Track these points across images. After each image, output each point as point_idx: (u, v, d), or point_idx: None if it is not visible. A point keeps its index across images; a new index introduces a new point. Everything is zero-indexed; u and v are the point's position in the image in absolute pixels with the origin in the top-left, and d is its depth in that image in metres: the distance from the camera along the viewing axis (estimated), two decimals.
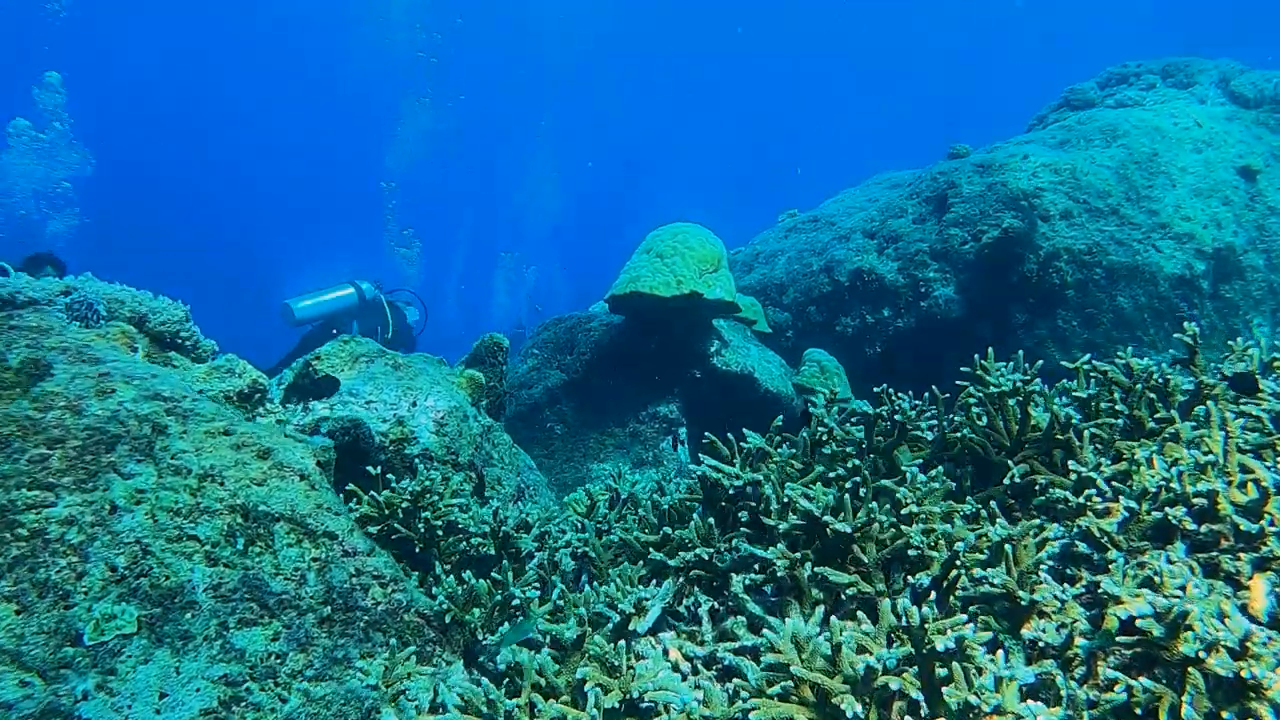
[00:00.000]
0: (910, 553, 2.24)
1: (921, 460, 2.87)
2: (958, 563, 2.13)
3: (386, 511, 3.16)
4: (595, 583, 2.82)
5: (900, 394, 3.12)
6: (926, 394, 3.19)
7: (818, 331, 7.67)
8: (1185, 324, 2.94)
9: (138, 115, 44.14)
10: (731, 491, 2.71)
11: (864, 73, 58.22)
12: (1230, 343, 2.96)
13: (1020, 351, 3.14)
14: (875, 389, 3.11)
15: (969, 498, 2.68)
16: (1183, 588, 1.99)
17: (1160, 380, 2.78)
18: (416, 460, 3.46)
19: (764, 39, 56.56)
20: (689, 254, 5.94)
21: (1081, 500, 2.35)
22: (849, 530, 2.28)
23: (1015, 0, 49.51)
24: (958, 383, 3.10)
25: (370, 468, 3.23)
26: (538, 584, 2.89)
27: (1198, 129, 7.77)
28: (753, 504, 2.70)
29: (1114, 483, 2.45)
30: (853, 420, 3.05)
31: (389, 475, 3.33)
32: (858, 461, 2.66)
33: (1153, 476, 2.38)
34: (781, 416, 3.13)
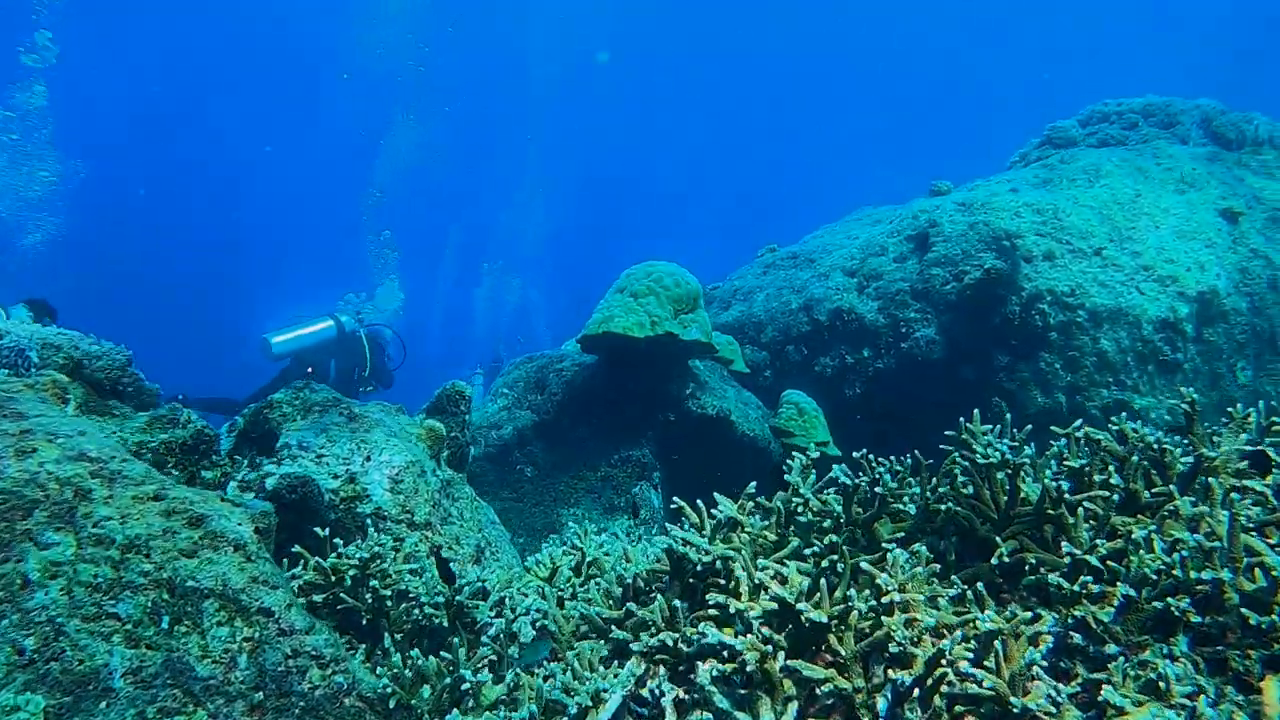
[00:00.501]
0: (892, 647, 2.05)
1: (903, 534, 2.69)
2: (943, 660, 1.95)
3: (333, 578, 2.95)
4: (555, 660, 2.62)
5: (880, 460, 2.94)
6: (909, 459, 3.00)
7: (796, 371, 7.51)
8: (1182, 389, 2.78)
9: (120, 124, 43.90)
10: (700, 568, 2.52)
11: (848, 106, 58.65)
12: (1230, 410, 2.80)
13: (1008, 413, 2.98)
14: (855, 454, 2.92)
15: (954, 575, 2.50)
16: (1191, 696, 1.81)
17: (1156, 449, 2.62)
18: (368, 520, 3.24)
19: (749, 70, 56.84)
20: (664, 293, 5.76)
21: (1076, 588, 2.17)
22: (825, 620, 2.09)
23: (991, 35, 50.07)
24: (942, 446, 2.92)
25: (319, 528, 3.03)
26: (493, 658, 2.69)
27: (1180, 170, 7.70)
28: (722, 581, 2.51)
29: (1109, 562, 2.28)
30: (832, 489, 2.86)
31: (340, 536, 3.13)
32: (835, 538, 2.48)
33: (1152, 561, 2.20)
34: (754, 484, 2.93)
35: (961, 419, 3.03)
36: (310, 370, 8.63)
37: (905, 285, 7.16)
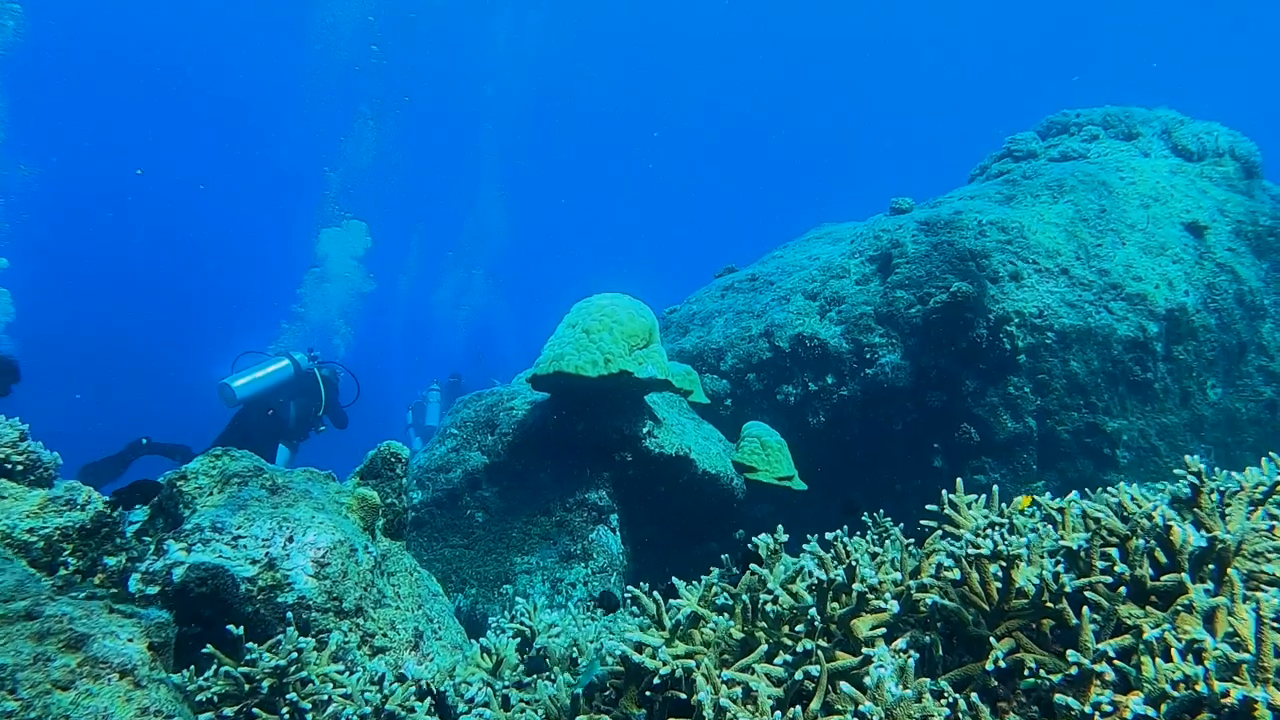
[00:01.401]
0: None
1: (884, 629, 2.40)
2: None
3: (247, 687, 2.61)
4: None
5: (853, 545, 2.65)
6: (887, 536, 2.72)
7: (758, 399, 7.23)
8: (1187, 458, 2.51)
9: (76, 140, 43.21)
10: (657, 681, 2.21)
11: (809, 116, 58.81)
12: (1238, 476, 2.54)
13: (993, 490, 2.70)
14: (828, 535, 2.62)
15: (942, 679, 2.21)
16: None
17: (1163, 528, 2.35)
18: (290, 613, 2.89)
19: (711, 82, 56.89)
20: (617, 329, 5.45)
21: (1087, 710, 1.89)
22: None
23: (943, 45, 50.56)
24: (924, 523, 2.64)
25: (234, 625, 2.69)
26: None
27: (1144, 184, 7.53)
28: (683, 695, 2.20)
29: (1118, 662, 2.00)
30: (803, 581, 2.56)
31: (260, 630, 2.79)
32: (809, 644, 2.18)
33: (1171, 672, 1.92)
34: (716, 573, 2.63)
35: (945, 492, 2.75)
36: (270, 412, 8.59)
37: (869, 309, 6.91)
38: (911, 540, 2.91)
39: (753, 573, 2.52)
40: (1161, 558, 2.33)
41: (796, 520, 7.00)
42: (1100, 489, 6.40)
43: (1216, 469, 6.62)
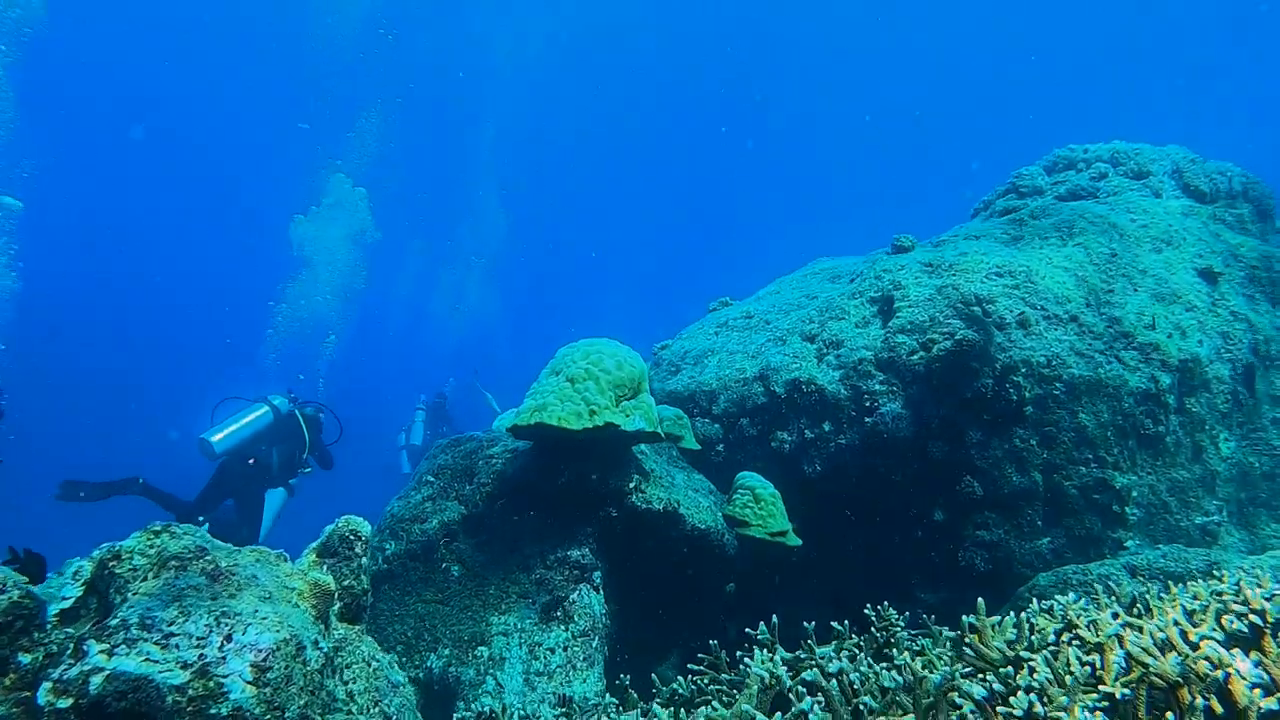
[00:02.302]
0: None
1: None
2: None
3: None
4: None
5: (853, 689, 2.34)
6: (892, 641, 2.42)
7: (751, 445, 6.91)
8: (1248, 593, 2.20)
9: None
10: None
11: (811, 142, 58.79)
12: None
13: (1021, 613, 2.39)
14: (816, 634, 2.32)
15: None
16: None
17: (1221, 677, 2.04)
18: None
19: (708, 105, 56.88)
20: (603, 378, 5.14)
21: None
22: None
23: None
24: (938, 654, 2.33)
25: None
26: None
27: (1156, 226, 7.25)
28: None
29: None
30: None
31: None
32: None
33: None
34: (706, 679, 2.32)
35: (965, 618, 2.44)
36: (253, 461, 8.49)
37: (869, 354, 6.61)
38: (918, 632, 2.60)
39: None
40: (1218, 708, 2.02)
41: (790, 575, 6.69)
42: (1109, 547, 6.07)
43: (1232, 529, 6.25)
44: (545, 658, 5.00)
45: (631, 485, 5.45)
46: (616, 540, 5.55)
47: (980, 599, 2.62)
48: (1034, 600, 5.48)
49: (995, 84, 52.68)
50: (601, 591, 5.42)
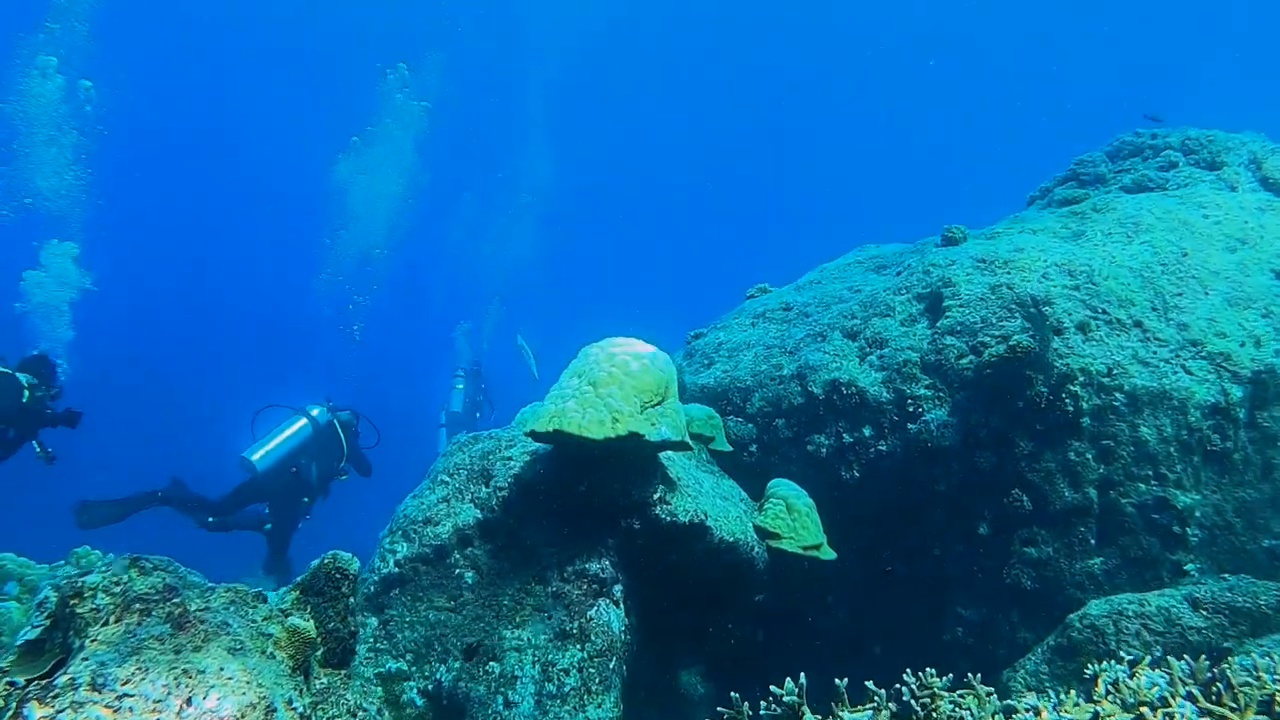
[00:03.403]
0: None
1: None
2: None
3: None
4: None
5: None
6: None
7: (785, 448, 6.55)
8: None
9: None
10: None
11: (853, 124, 57.66)
12: None
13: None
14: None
15: None
16: None
17: None
18: None
19: (749, 84, 55.93)
20: (628, 382, 4.78)
21: None
22: None
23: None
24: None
25: None
26: None
27: (1231, 223, 6.72)
28: None
29: None
30: None
31: None
32: None
33: None
34: None
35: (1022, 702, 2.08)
36: (295, 471, 8.63)
37: (914, 355, 6.19)
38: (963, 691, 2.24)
39: None
40: None
41: (824, 584, 6.35)
42: (1167, 570, 5.65)
43: None
44: (559, 679, 4.71)
45: (656, 496, 5.12)
46: (638, 552, 5.23)
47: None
48: (1087, 631, 5.12)
49: (1054, 65, 51.18)
50: (622, 605, 5.11)
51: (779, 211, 61.00)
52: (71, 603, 2.76)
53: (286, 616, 2.90)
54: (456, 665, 4.98)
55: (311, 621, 2.92)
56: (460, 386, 17.97)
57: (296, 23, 46.11)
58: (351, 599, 3.16)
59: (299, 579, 3.18)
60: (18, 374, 7.61)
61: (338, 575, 3.12)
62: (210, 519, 8.38)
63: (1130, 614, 4.99)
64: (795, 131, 57.84)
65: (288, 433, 8.80)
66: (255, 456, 8.51)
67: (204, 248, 49.35)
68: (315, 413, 9.09)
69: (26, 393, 7.57)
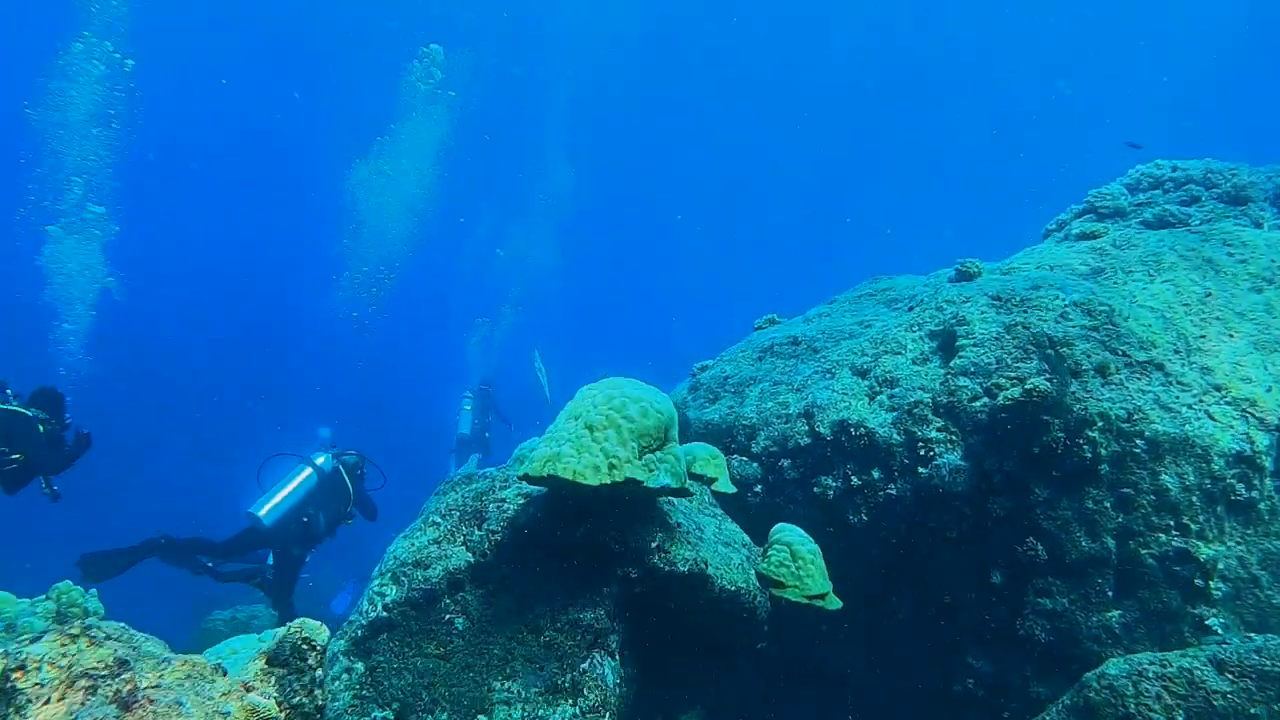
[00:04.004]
0: None
1: None
2: None
3: None
4: None
5: None
6: None
7: (791, 489, 6.33)
8: None
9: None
10: None
11: (871, 146, 57.63)
12: None
13: None
14: None
15: None
16: None
17: None
18: None
19: (769, 104, 56.01)
20: (626, 426, 4.58)
21: None
22: None
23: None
24: None
25: None
26: None
27: (1257, 262, 6.49)
28: None
29: None
30: None
31: None
32: None
33: None
34: None
35: None
36: (306, 520, 8.60)
37: (926, 396, 5.97)
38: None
39: None
40: None
41: (826, 639, 6.13)
42: (1188, 625, 5.39)
43: None
44: None
45: (654, 544, 4.90)
46: (636, 601, 5.02)
47: None
48: (1105, 692, 4.87)
49: (1070, 99, 51.01)
50: (617, 656, 4.90)
51: (793, 232, 60.91)
52: (14, 676, 2.57)
53: (247, 692, 2.70)
54: (444, 717, 4.77)
55: (274, 698, 2.72)
56: (468, 408, 17.86)
57: (316, 20, 46.36)
58: (319, 671, 2.95)
59: (264, 647, 2.99)
60: (28, 409, 7.72)
61: (304, 646, 2.92)
62: (209, 563, 8.37)
63: (1151, 675, 4.73)
64: (811, 155, 57.83)
65: (294, 484, 8.74)
66: (263, 511, 8.44)
67: (218, 251, 49.55)
68: (320, 460, 9.04)
69: (42, 428, 7.70)
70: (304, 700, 2.87)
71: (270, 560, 8.80)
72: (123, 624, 2.77)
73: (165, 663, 2.67)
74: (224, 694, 2.69)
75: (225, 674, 2.74)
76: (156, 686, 2.56)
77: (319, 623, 3.00)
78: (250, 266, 49.47)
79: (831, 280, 9.27)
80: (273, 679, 2.85)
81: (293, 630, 2.95)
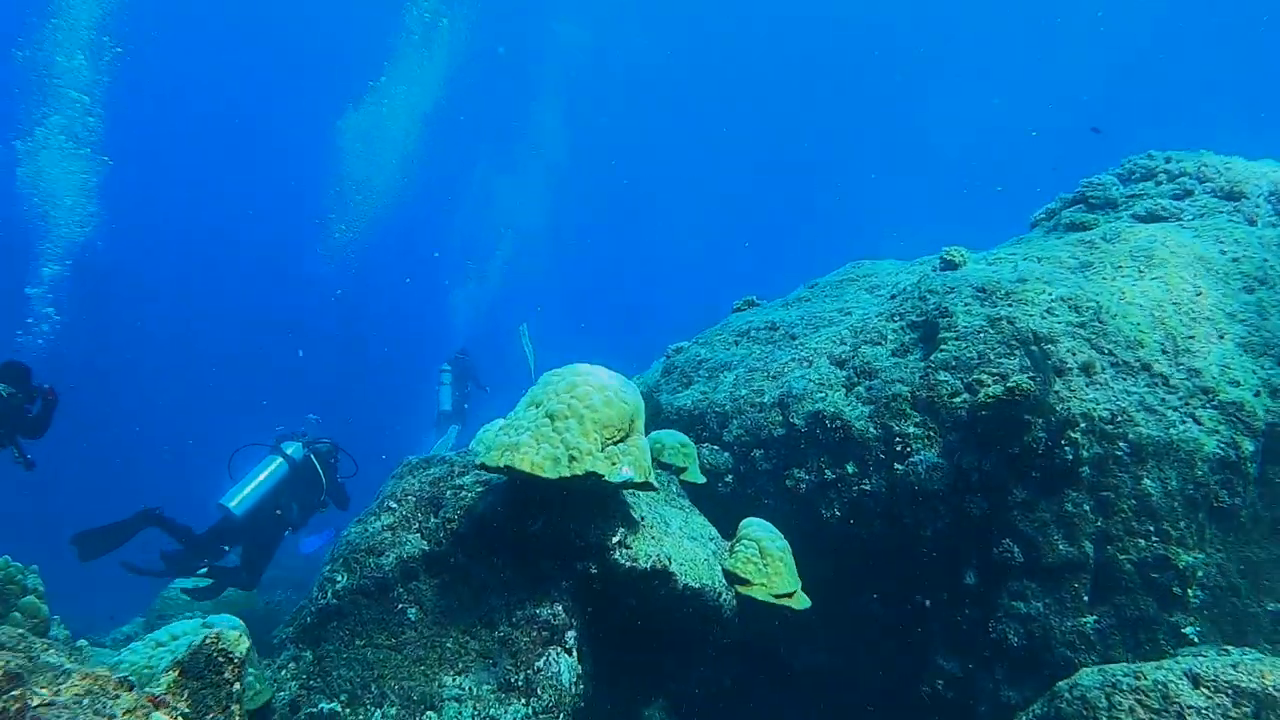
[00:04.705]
0: None
1: None
2: None
3: None
4: None
5: None
6: None
7: (763, 480, 6.13)
8: None
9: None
10: None
11: (855, 132, 57.33)
12: None
13: None
14: None
15: None
16: None
17: None
18: None
19: (757, 86, 55.62)
20: (589, 416, 4.36)
21: None
22: None
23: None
24: None
25: None
26: None
27: (1250, 261, 6.30)
28: None
29: None
30: None
31: None
32: None
33: None
34: None
35: None
36: (279, 512, 8.62)
37: (905, 390, 5.77)
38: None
39: None
40: None
41: (795, 633, 5.95)
42: (1164, 633, 5.23)
43: None
44: None
45: (615, 539, 4.70)
46: (596, 596, 4.82)
47: None
48: (1076, 703, 4.72)
49: (1060, 79, 50.78)
50: (575, 653, 4.70)
51: (777, 213, 60.66)
52: None
53: (155, 709, 2.48)
54: (393, 712, 4.57)
55: (183, 715, 2.50)
56: (446, 382, 17.65)
57: None
58: (237, 685, 2.73)
59: (178, 657, 2.76)
60: None
61: (220, 659, 2.69)
62: (202, 565, 8.32)
63: (1125, 688, 4.58)
64: (799, 135, 57.54)
65: (264, 474, 8.68)
66: (234, 503, 8.39)
67: (206, 207, 49.03)
68: (291, 450, 8.97)
69: (4, 393, 7.60)
70: (218, 718, 2.65)
71: (237, 558, 8.65)
72: (21, 631, 2.54)
73: (63, 676, 2.44)
74: (127, 711, 2.47)
75: (132, 688, 2.51)
76: (50, 705, 2.33)
77: (238, 633, 2.78)
78: (234, 225, 48.95)
79: (817, 258, 9.06)
80: (185, 693, 2.63)
81: (209, 641, 2.72)
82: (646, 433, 6.11)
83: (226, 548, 8.48)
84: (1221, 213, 6.95)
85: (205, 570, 8.36)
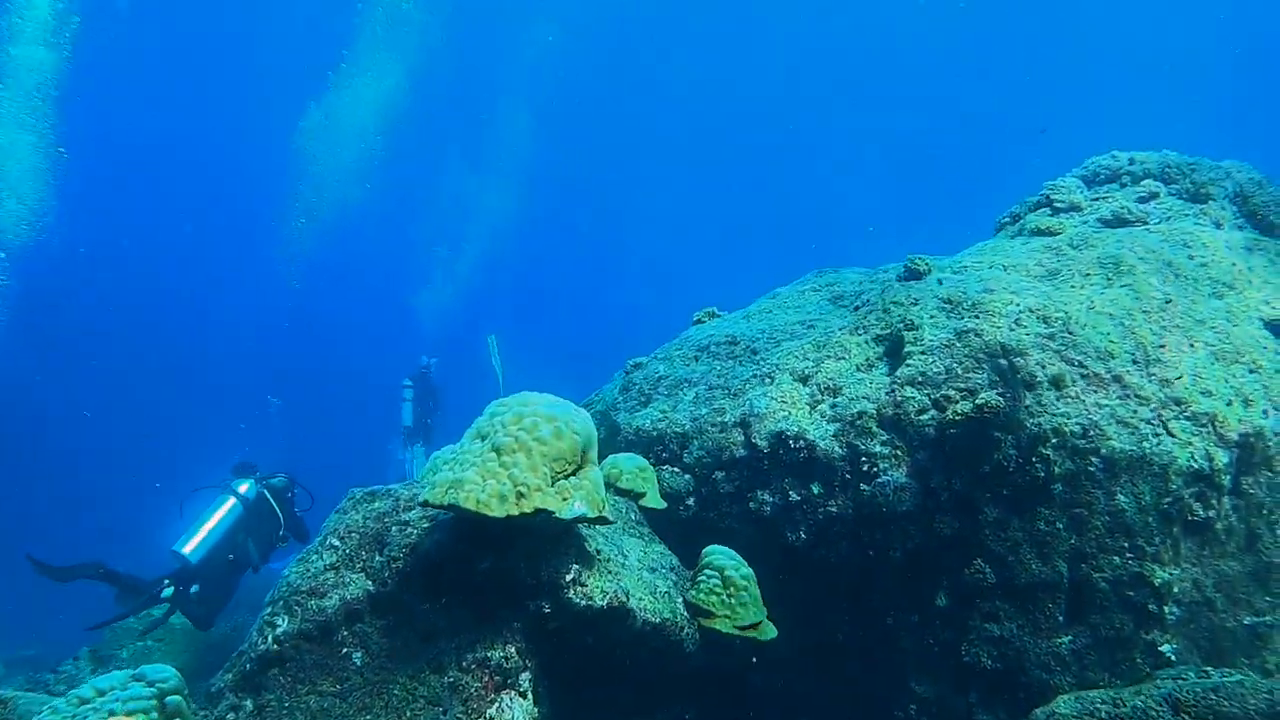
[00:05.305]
0: None
1: None
2: None
3: None
4: None
5: None
6: None
7: (726, 503, 5.91)
8: None
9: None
10: None
11: (819, 134, 57.36)
12: None
13: None
14: None
15: None
16: None
17: None
18: None
19: (726, 88, 55.56)
20: (537, 450, 4.11)
21: None
22: None
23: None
24: None
25: None
26: None
27: (1218, 266, 6.16)
28: None
29: None
30: None
31: None
32: None
33: None
34: None
35: None
36: (232, 558, 8.30)
37: (871, 407, 5.57)
38: None
39: None
40: None
41: (762, 661, 5.74)
42: (1140, 651, 5.05)
43: None
44: None
45: (569, 577, 4.45)
46: (550, 636, 4.57)
47: None
48: None
49: (1020, 87, 51.17)
50: (530, 696, 4.44)
51: (744, 214, 60.60)
52: None
53: None
54: None
55: None
56: (409, 397, 17.36)
57: None
58: None
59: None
60: None
61: None
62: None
63: (1103, 716, 4.41)
64: (767, 137, 57.55)
65: (217, 516, 8.34)
66: (187, 549, 8.06)
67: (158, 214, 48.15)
68: (244, 489, 8.65)
69: None
70: None
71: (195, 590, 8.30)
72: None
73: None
74: None
75: None
76: None
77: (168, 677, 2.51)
78: (187, 221, 48.19)
79: (784, 260, 8.89)
80: None
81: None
82: (604, 454, 5.88)
83: (181, 587, 8.16)
84: (1188, 215, 6.82)
85: (170, 593, 8.04)
